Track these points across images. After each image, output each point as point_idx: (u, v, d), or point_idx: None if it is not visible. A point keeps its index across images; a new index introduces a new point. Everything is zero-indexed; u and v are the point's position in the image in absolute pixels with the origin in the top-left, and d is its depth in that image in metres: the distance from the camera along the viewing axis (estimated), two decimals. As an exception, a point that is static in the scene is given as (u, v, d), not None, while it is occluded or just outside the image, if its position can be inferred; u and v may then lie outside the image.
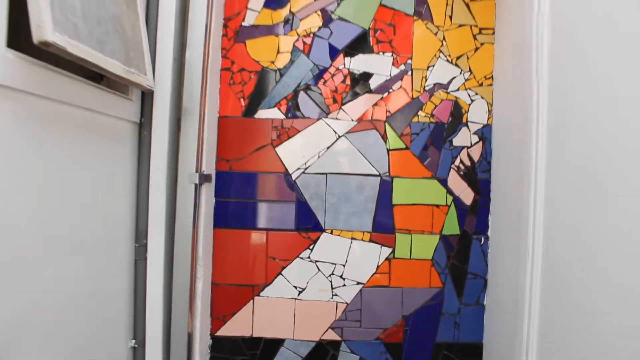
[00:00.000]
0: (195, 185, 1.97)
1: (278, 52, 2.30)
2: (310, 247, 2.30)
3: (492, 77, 2.28)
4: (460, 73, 2.29)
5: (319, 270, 2.30)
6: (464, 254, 2.29)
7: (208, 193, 2.15)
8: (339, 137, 2.29)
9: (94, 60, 1.42)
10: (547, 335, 1.66)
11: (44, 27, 1.20)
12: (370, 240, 2.30)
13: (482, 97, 2.28)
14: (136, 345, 2.02)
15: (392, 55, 2.29)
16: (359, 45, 2.30)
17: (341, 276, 2.29)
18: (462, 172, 2.29)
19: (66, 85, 1.45)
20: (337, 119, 2.29)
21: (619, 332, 1.24)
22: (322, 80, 2.29)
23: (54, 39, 1.21)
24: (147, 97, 1.96)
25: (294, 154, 2.29)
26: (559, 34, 1.64)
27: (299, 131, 2.29)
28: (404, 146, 2.28)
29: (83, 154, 1.59)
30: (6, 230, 1.23)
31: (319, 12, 2.30)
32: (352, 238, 2.30)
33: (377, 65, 2.29)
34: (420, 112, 2.29)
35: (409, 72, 2.29)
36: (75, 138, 1.54)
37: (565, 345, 1.53)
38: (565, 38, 1.59)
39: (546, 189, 1.68)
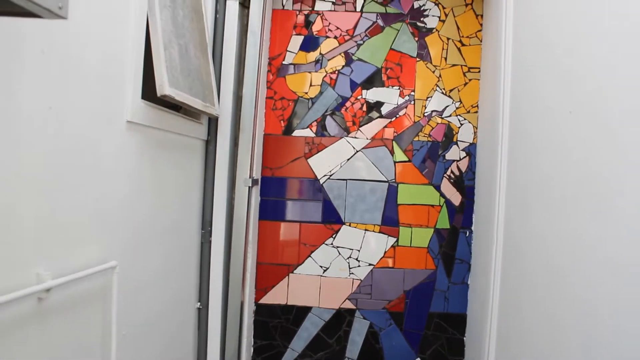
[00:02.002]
0: (248, 187, 2.54)
1: (310, 85, 2.85)
2: (333, 236, 2.85)
3: (477, 106, 2.80)
4: (452, 102, 2.81)
5: (339, 254, 2.85)
6: (453, 244, 2.82)
7: (256, 193, 2.72)
8: (357, 151, 2.83)
9: (187, 101, 2.00)
10: (504, 304, 2.19)
11: (164, 84, 1.78)
12: (380, 232, 2.84)
13: (469, 122, 2.81)
14: (201, 307, 2.57)
15: (399, 88, 2.83)
16: (373, 80, 2.84)
17: (356, 259, 2.84)
18: (452, 180, 2.82)
19: (166, 118, 2.03)
20: (355, 137, 2.83)
21: (557, 299, 1.79)
22: (344, 107, 2.84)
23: (169, 92, 1.79)
24: (212, 121, 2.53)
25: (321, 164, 2.84)
26: (517, 75, 2.17)
27: (325, 147, 2.84)
28: (407, 159, 2.82)
29: (172, 163, 2.16)
30: (138, 219, 1.81)
31: (343, 54, 2.85)
32: (366, 229, 2.84)
33: (387, 96, 2.84)
34: (420, 133, 2.82)
35: (412, 102, 2.83)
36: (168, 152, 2.11)
37: (517, 312, 2.07)
38: (522, 78, 2.14)
39: (506, 192, 2.22)
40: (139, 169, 1.81)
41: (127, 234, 1.74)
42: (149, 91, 1.86)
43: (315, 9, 2.85)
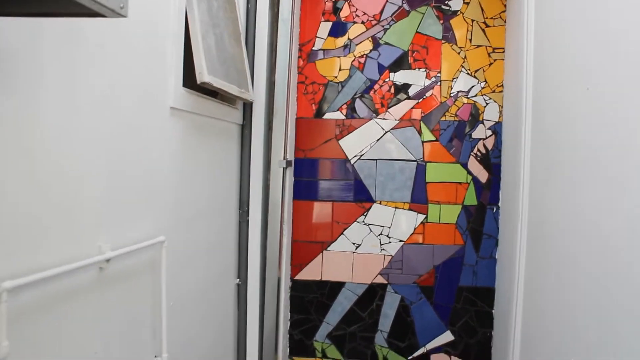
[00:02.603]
0: (282, 168, 2.65)
1: (339, 69, 2.95)
2: (364, 214, 2.95)
3: (502, 86, 2.86)
4: (478, 83, 2.88)
5: (371, 231, 2.95)
6: (481, 220, 2.90)
7: (290, 174, 2.83)
8: (386, 132, 2.92)
9: (224, 87, 2.11)
10: (530, 277, 2.27)
11: (203, 72, 1.89)
12: (410, 209, 2.93)
13: (494, 101, 2.87)
14: (240, 283, 2.71)
15: (425, 70, 2.90)
16: (401, 63, 2.92)
17: (387, 235, 2.94)
18: (479, 158, 2.89)
19: (206, 104, 2.15)
20: (384, 118, 2.92)
21: (580, 269, 1.86)
22: (373, 90, 2.93)
23: (209, 80, 1.91)
24: (247, 106, 2.64)
25: (352, 145, 2.94)
26: (539, 54, 2.23)
27: (355, 128, 2.94)
28: (434, 139, 2.90)
29: (210, 146, 2.28)
30: (181, 198, 1.94)
31: (370, 39, 2.93)
32: (396, 207, 2.93)
33: (414, 78, 2.91)
34: (447, 113, 2.89)
35: (439, 83, 2.90)
36: (207, 135, 2.24)
37: (543, 284, 2.15)
38: (544, 57, 2.20)
39: (530, 168, 2.29)
40: (181, 152, 1.93)
41: (173, 212, 1.87)
42: (188, 79, 1.98)
43: (342, -5, 2.94)
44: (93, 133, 1.32)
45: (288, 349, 3.00)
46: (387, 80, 2.92)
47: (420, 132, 2.90)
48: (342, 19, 2.93)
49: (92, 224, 1.34)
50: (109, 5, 0.89)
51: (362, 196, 2.94)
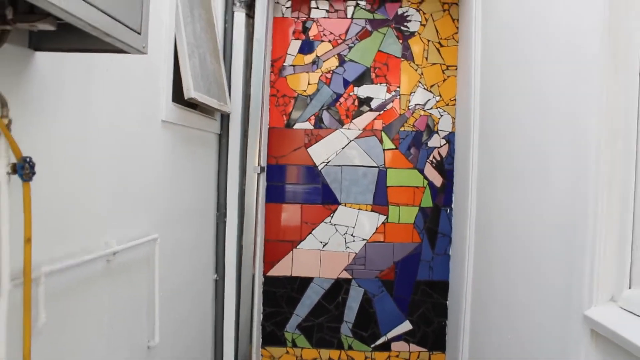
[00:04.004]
0: (257, 174, 2.88)
1: (308, 83, 3.18)
2: (331, 216, 3.19)
3: (455, 100, 3.14)
4: (433, 97, 3.15)
5: (336, 230, 3.19)
6: (436, 220, 3.17)
7: (263, 179, 3.05)
8: (350, 141, 3.17)
9: (207, 102, 2.33)
10: (478, 269, 2.54)
11: (190, 89, 2.11)
12: (372, 211, 3.17)
13: (448, 113, 3.14)
14: (217, 278, 2.92)
15: (386, 85, 3.16)
16: (364, 78, 3.17)
17: (352, 235, 3.18)
18: (434, 165, 3.16)
19: (189, 116, 2.36)
20: (349, 129, 3.17)
21: (511, 251, 2.14)
22: (339, 103, 3.17)
23: (195, 95, 2.13)
24: (224, 117, 2.86)
25: (319, 152, 3.18)
26: (485, 71, 2.51)
27: (323, 137, 3.18)
28: (394, 147, 3.16)
29: (193, 153, 2.49)
30: (170, 200, 2.15)
31: (336, 56, 3.18)
32: (359, 209, 3.18)
33: (376, 92, 3.17)
34: (405, 124, 3.16)
35: (398, 97, 3.16)
36: (190, 145, 2.44)
37: (488, 275, 2.42)
38: (489, 74, 2.48)
39: (478, 172, 2.57)
40: (170, 159, 2.14)
41: (163, 213, 2.09)
42: (175, 94, 2.19)
43: (311, 16, 3.17)
44: (102, 146, 1.54)
45: (261, 340, 3.21)
46: (351, 94, 3.16)
47: (381, 141, 3.15)
48: (311, 38, 3.17)
49: (101, 222, 1.55)
50: (135, 45, 1.11)
51: (328, 199, 3.18)
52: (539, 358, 1.68)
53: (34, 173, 1.05)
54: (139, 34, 1.13)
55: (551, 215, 1.61)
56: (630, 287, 1.26)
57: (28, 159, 1.04)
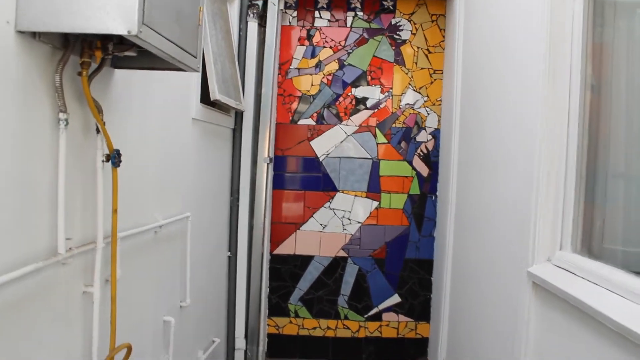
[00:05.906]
0: (267, 164, 3.24)
1: (312, 84, 3.54)
2: (330, 201, 3.55)
3: (440, 100, 3.51)
4: (422, 97, 3.51)
5: (335, 214, 3.55)
6: (422, 206, 3.54)
7: (271, 168, 3.41)
8: (348, 135, 3.53)
9: (227, 102, 2.68)
10: (457, 248, 2.91)
11: (215, 92, 2.47)
12: (366, 197, 3.54)
13: (434, 112, 3.51)
14: (231, 256, 3.28)
15: (380, 86, 3.52)
16: (360, 80, 3.53)
17: (348, 218, 3.54)
18: (421, 157, 3.52)
19: (211, 113, 2.71)
20: (346, 125, 3.53)
21: (483, 230, 2.51)
22: (338, 102, 3.53)
23: (219, 97, 2.48)
24: (238, 114, 3.22)
25: (321, 145, 3.53)
26: (466, 76, 2.88)
27: (324, 132, 3.53)
28: (386, 141, 3.52)
29: (213, 145, 2.85)
30: (197, 185, 2.51)
31: (337, 61, 3.53)
32: (355, 196, 3.54)
33: (371, 92, 3.53)
34: (396, 121, 3.52)
35: (390, 97, 3.52)
36: (212, 138, 2.80)
37: (464, 253, 2.80)
38: (468, 78, 2.84)
39: (458, 164, 2.94)
40: (197, 150, 2.50)
41: (192, 195, 2.45)
42: (201, 95, 2.55)
43: (314, 25, 3.52)
44: (153, 142, 1.90)
45: (267, 310, 3.58)
46: (349, 94, 3.52)
47: (375, 136, 3.51)
48: (314, 44, 3.52)
49: (151, 201, 1.92)
50: (193, 66, 1.47)
51: (328, 186, 3.54)
52: (498, 304, 2.07)
53: (120, 161, 1.42)
54: (195, 57, 1.49)
55: (510, 195, 1.99)
56: (560, 249, 1.64)
57: (117, 151, 1.40)
